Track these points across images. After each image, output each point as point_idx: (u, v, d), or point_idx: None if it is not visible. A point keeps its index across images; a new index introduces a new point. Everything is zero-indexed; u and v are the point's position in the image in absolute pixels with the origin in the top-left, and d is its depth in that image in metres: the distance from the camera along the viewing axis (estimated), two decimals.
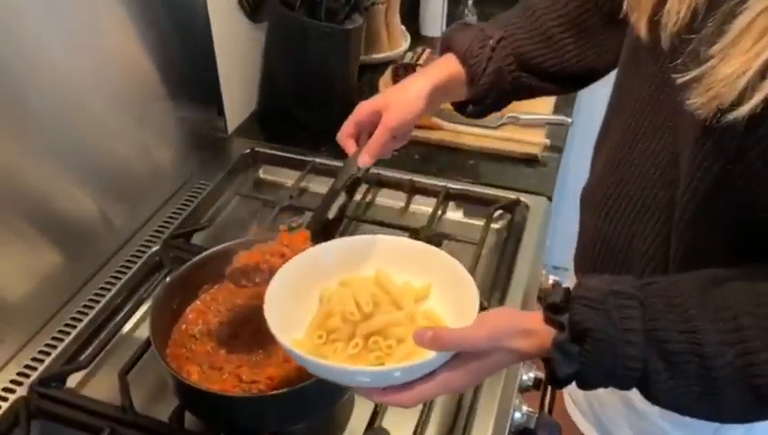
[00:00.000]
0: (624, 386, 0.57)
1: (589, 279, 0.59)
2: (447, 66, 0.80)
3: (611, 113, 0.74)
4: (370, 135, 0.75)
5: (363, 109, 0.77)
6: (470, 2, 1.64)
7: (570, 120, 1.26)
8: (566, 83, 0.84)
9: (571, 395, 0.94)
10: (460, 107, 0.85)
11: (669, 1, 0.58)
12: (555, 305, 0.58)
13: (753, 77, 0.48)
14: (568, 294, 0.58)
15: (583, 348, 0.55)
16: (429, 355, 0.56)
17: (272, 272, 0.66)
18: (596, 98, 0.94)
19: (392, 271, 0.68)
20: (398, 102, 0.76)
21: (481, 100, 0.82)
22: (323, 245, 0.70)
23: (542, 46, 0.82)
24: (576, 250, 0.81)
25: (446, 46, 0.82)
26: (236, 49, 1.20)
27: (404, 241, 0.72)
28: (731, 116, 0.50)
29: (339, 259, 0.69)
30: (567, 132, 1.26)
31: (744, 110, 0.49)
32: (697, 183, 0.58)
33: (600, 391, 0.83)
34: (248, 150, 1.19)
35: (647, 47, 0.63)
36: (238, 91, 1.25)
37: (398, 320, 0.62)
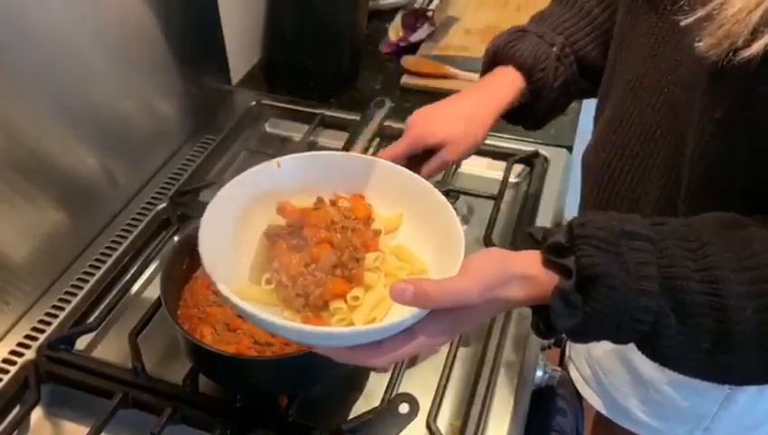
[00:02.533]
0: (625, 341, 0.50)
1: (595, 215, 0.51)
2: (511, 84, 0.74)
3: (611, 72, 0.68)
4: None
5: (419, 134, 0.71)
6: None
7: None
8: None
9: (575, 363, 0.89)
10: (513, 117, 0.79)
11: None
12: (558, 246, 0.50)
13: (766, 10, 0.44)
14: (572, 232, 0.50)
15: (591, 297, 0.48)
16: (405, 313, 0.48)
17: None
18: None
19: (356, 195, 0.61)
20: (459, 138, 0.71)
21: (545, 111, 0.77)
22: (280, 160, 0.61)
23: (597, 42, 0.75)
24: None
25: (503, 56, 0.75)
26: None
27: (367, 160, 0.63)
28: (745, 54, 0.45)
29: (295, 178, 0.61)
30: None
31: (760, 45, 0.45)
32: (708, 137, 0.52)
33: (605, 360, 0.81)
34: (254, 103, 1.14)
35: None
36: (242, 41, 1.19)
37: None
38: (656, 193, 0.61)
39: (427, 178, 0.65)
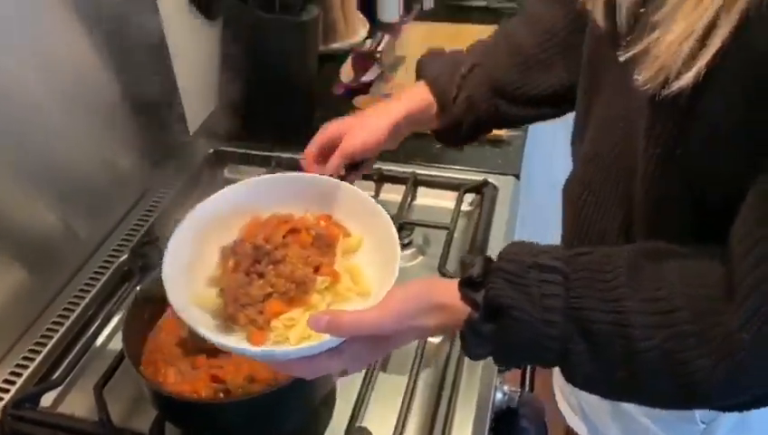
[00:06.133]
0: (543, 364, 0.54)
1: (512, 247, 0.54)
2: (419, 94, 0.78)
3: (584, 110, 0.71)
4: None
5: (326, 131, 0.74)
6: None
7: None
8: (549, 107, 0.80)
9: (561, 389, 0.91)
10: (439, 135, 0.82)
11: None
12: (471, 280, 0.54)
13: (696, 42, 0.46)
14: (487, 264, 0.54)
15: (498, 326, 0.52)
16: (326, 337, 0.54)
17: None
18: None
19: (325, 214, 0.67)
20: (359, 128, 0.73)
21: (453, 128, 0.80)
22: (250, 181, 0.69)
23: (518, 70, 0.78)
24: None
25: (418, 73, 0.81)
26: (192, 47, 1.18)
27: (333, 182, 0.68)
28: (676, 86, 0.47)
29: (269, 197, 0.68)
30: None
31: (689, 77, 0.46)
32: (651, 172, 0.55)
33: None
34: (211, 151, 1.17)
35: (606, 35, 0.60)
36: (197, 91, 1.23)
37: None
38: (615, 226, 0.63)
39: (338, 177, 0.71)
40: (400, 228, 0.97)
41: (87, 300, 0.91)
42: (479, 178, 1.07)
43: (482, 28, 1.55)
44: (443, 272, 0.90)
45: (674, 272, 0.50)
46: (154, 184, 1.10)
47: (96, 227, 1.00)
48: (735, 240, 0.48)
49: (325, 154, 0.74)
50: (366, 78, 1.32)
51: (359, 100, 1.27)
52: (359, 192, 0.67)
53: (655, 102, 0.50)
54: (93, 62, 0.95)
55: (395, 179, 1.09)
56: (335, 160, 0.72)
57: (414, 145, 1.16)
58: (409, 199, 1.06)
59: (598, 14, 0.60)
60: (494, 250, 0.95)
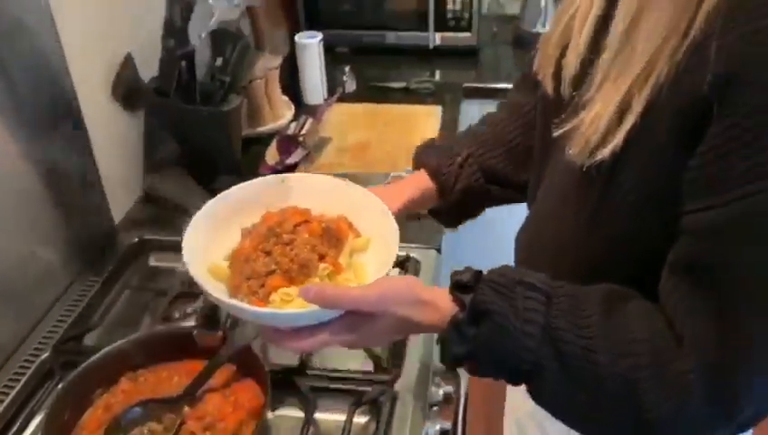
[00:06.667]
0: (513, 378, 0.59)
1: (501, 268, 0.61)
2: (423, 182, 0.86)
3: (534, 174, 0.78)
4: None
5: None
6: (347, 68, 1.71)
7: None
8: None
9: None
10: (437, 215, 0.90)
11: (567, 53, 0.62)
12: (462, 284, 0.59)
13: (612, 118, 0.53)
14: (478, 275, 0.60)
15: (480, 330, 0.57)
16: (313, 306, 0.59)
17: None
18: None
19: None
20: None
21: (453, 211, 0.88)
22: (283, 176, 0.76)
23: (506, 157, 0.86)
24: None
25: (417, 162, 0.88)
26: (114, 138, 1.20)
27: (352, 186, 0.76)
28: (598, 157, 0.54)
29: (298, 194, 0.75)
30: None
31: (606, 151, 0.54)
32: (582, 231, 0.62)
33: (524, 418, 0.86)
34: (136, 240, 1.17)
35: (552, 105, 0.66)
36: (121, 180, 1.24)
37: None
38: (561, 270, 0.68)
39: None
40: None
41: (8, 401, 0.88)
42: (402, 253, 1.11)
43: (400, 107, 1.64)
44: (367, 350, 0.92)
45: (638, 310, 0.56)
46: (78, 277, 1.09)
47: (18, 325, 0.98)
48: (664, 295, 0.55)
49: None
50: (291, 160, 1.36)
51: None
52: (378, 201, 0.73)
53: (582, 172, 0.57)
54: (11, 153, 0.95)
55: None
56: None
57: None
58: None
59: (547, 84, 0.67)
60: None
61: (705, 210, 0.50)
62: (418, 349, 0.94)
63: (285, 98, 1.61)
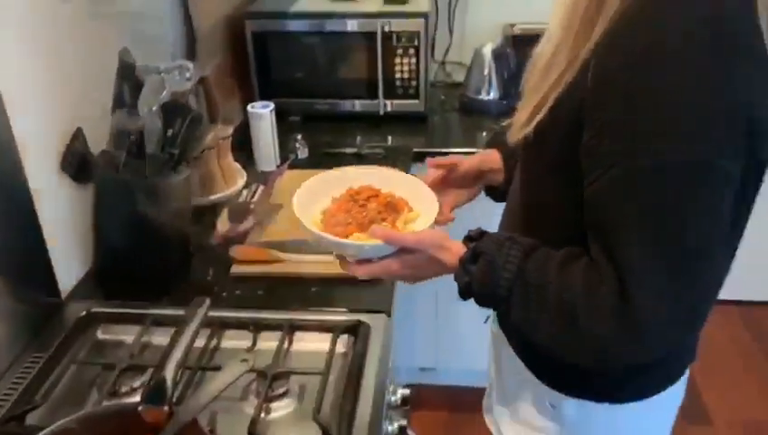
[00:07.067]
0: (496, 303, 0.83)
1: (502, 230, 0.97)
2: (494, 155, 1.13)
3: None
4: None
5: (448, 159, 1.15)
6: (299, 136, 1.75)
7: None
8: None
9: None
10: (494, 193, 1.16)
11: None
12: (470, 237, 0.87)
13: (533, 113, 0.82)
14: (484, 232, 0.87)
15: (476, 266, 0.82)
16: (378, 242, 0.88)
17: None
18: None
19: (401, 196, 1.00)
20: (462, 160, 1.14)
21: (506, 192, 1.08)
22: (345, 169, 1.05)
23: None
24: None
25: (493, 144, 1.16)
26: (63, 211, 1.20)
27: (415, 182, 1.03)
28: (524, 133, 0.83)
29: (376, 176, 1.03)
30: None
31: (530, 128, 0.82)
32: (523, 204, 0.94)
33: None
34: (84, 313, 1.16)
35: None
36: (69, 254, 1.23)
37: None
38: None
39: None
40: (274, 378, 0.99)
41: None
42: (353, 318, 1.12)
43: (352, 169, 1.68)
44: (317, 420, 0.92)
45: (581, 264, 0.79)
46: (23, 353, 1.07)
47: None
48: (590, 249, 0.79)
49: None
50: (242, 228, 1.38)
51: (234, 249, 1.31)
52: (427, 189, 1.01)
53: (521, 148, 0.89)
54: None
55: (271, 327, 1.12)
56: (448, 160, 1.13)
57: (291, 290, 1.22)
58: (286, 346, 1.09)
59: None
60: (366, 391, 0.99)
61: (591, 183, 0.76)
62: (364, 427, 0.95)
63: (238, 165, 1.63)
